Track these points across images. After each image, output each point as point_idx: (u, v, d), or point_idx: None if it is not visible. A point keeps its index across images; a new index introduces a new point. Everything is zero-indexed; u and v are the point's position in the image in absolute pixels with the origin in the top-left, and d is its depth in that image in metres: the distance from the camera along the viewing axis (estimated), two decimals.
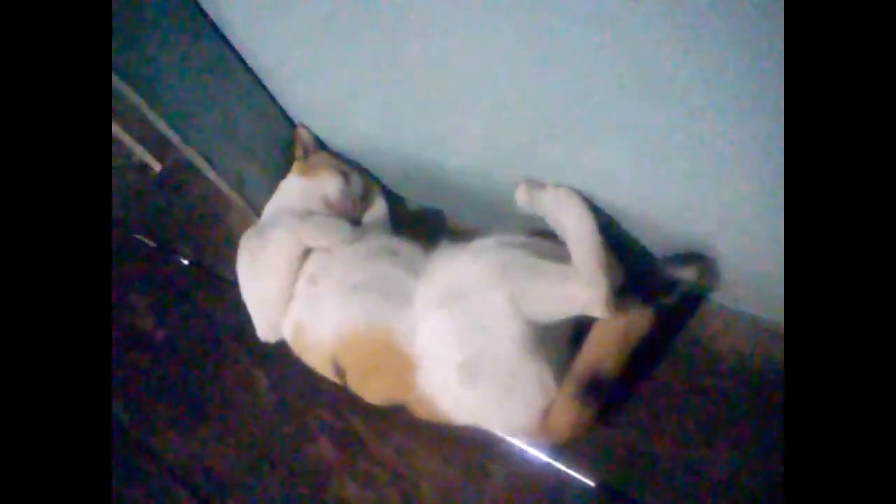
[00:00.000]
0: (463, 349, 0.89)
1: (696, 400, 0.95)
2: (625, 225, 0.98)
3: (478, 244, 0.97)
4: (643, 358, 0.95)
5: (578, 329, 0.96)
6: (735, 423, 0.92)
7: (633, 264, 0.97)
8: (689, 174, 0.79)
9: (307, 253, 1.10)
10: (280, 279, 1.09)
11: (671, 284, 0.94)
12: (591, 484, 0.95)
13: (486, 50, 0.80)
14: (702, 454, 0.91)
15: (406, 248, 1.07)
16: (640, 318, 0.92)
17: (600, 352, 0.91)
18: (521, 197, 0.97)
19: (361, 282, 1.01)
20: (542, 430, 0.91)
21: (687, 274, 0.93)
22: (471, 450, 0.97)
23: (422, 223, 1.32)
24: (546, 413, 0.90)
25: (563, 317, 0.91)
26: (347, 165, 1.28)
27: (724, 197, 0.79)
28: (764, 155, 0.68)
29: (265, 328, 1.13)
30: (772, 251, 0.82)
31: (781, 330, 0.94)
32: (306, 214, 1.14)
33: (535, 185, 0.96)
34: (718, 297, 1.01)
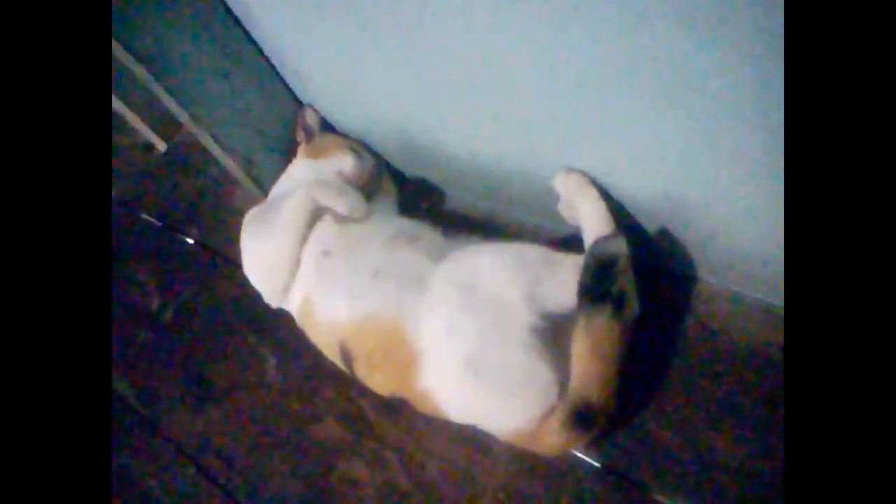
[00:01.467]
0: (469, 344, 0.89)
1: (703, 384, 0.96)
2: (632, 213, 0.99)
3: (495, 242, 0.98)
4: (649, 344, 0.96)
5: None
6: (741, 407, 0.92)
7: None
8: (687, 156, 0.80)
9: (320, 217, 1.09)
10: (291, 237, 1.08)
11: (610, 267, 0.87)
12: (597, 465, 0.96)
13: (498, 34, 0.80)
14: (707, 438, 0.92)
15: (426, 233, 1.07)
16: (602, 326, 0.85)
17: (583, 378, 0.86)
18: (558, 181, 0.97)
19: (381, 268, 1.00)
20: (530, 440, 0.91)
21: (615, 247, 0.87)
22: (477, 431, 0.98)
23: (421, 198, 1.33)
24: (540, 424, 0.88)
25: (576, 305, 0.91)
26: (356, 144, 1.28)
27: (725, 181, 0.80)
28: (765, 139, 0.68)
29: (272, 291, 1.13)
30: (775, 233, 0.83)
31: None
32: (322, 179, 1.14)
33: (564, 171, 0.96)
34: (723, 281, 1.02)
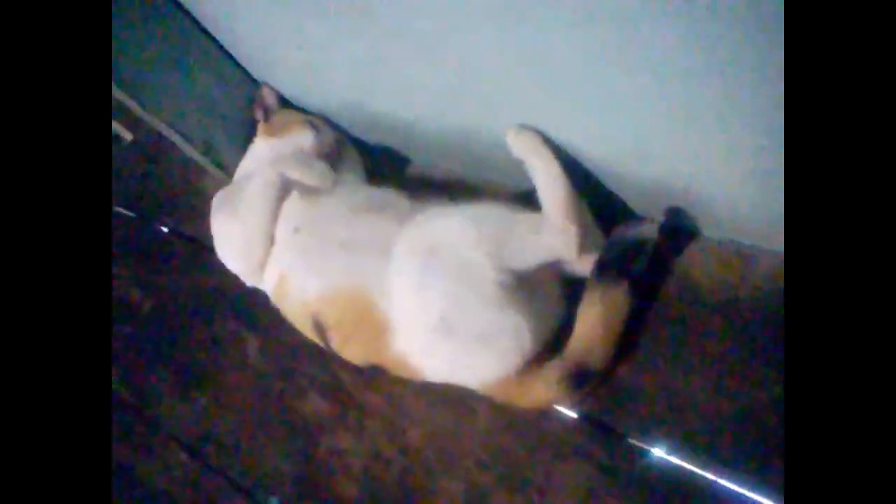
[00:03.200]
0: (439, 305, 0.90)
1: (672, 329, 0.97)
2: (602, 176, 0.99)
3: (455, 205, 0.99)
4: None
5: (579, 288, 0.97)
6: (710, 349, 0.94)
7: (609, 218, 0.98)
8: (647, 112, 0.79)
9: (289, 193, 1.09)
10: (261, 215, 1.09)
11: (637, 248, 0.92)
12: (574, 416, 0.98)
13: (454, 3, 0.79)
14: (677, 382, 0.93)
15: (393, 199, 1.08)
16: (617, 300, 0.91)
17: (586, 342, 0.91)
18: (510, 142, 0.97)
19: (347, 238, 1.02)
20: (516, 392, 0.93)
21: (646, 231, 0.93)
22: (455, 391, 1.00)
23: (386, 166, 1.33)
24: (523, 376, 0.92)
25: (539, 263, 0.92)
26: (315, 118, 1.27)
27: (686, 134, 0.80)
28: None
29: (248, 271, 1.14)
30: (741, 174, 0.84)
31: (755, 252, 0.95)
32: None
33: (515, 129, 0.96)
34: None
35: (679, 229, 1.00)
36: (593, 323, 0.91)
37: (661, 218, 0.97)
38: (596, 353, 0.91)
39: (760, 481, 0.84)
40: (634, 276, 0.92)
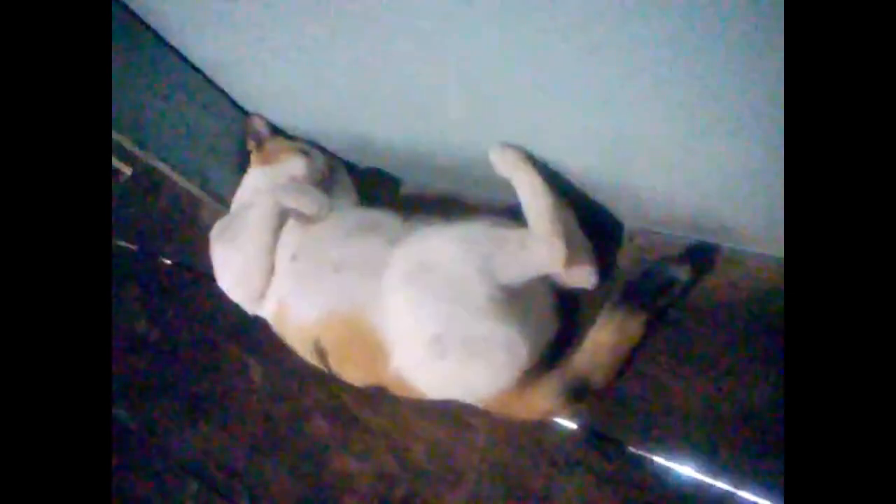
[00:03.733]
0: (433, 323, 0.92)
1: (666, 334, 0.97)
2: (596, 190, 1.00)
3: (444, 225, 1.00)
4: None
5: (572, 300, 1.01)
6: (705, 354, 0.94)
7: (602, 231, 1.01)
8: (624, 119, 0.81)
9: (285, 221, 1.11)
10: (260, 244, 1.11)
11: (665, 286, 0.94)
12: (573, 426, 0.99)
13: (432, 23, 0.80)
14: (670, 386, 0.94)
15: (385, 220, 1.09)
16: (633, 330, 0.93)
17: (593, 361, 0.93)
18: (493, 160, 0.98)
19: (342, 261, 1.03)
20: (515, 405, 0.95)
21: (681, 273, 0.94)
22: (455, 408, 1.01)
23: (378, 187, 1.34)
24: (521, 388, 0.93)
25: (528, 277, 0.94)
26: (306, 145, 1.30)
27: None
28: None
29: (250, 300, 1.15)
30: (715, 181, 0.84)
31: (744, 256, 0.96)
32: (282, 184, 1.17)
33: (499, 147, 0.98)
34: (671, 230, 1.03)
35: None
36: (605, 346, 0.93)
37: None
38: (600, 373, 0.93)
39: (761, 483, 0.84)
40: (655, 311, 0.94)
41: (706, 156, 0.79)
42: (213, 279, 1.23)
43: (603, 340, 0.93)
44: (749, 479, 0.85)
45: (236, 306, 1.19)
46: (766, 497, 0.84)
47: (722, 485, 0.87)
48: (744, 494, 0.85)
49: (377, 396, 1.10)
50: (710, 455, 0.89)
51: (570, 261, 0.92)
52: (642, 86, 0.71)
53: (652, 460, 0.92)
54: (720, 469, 0.87)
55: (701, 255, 0.98)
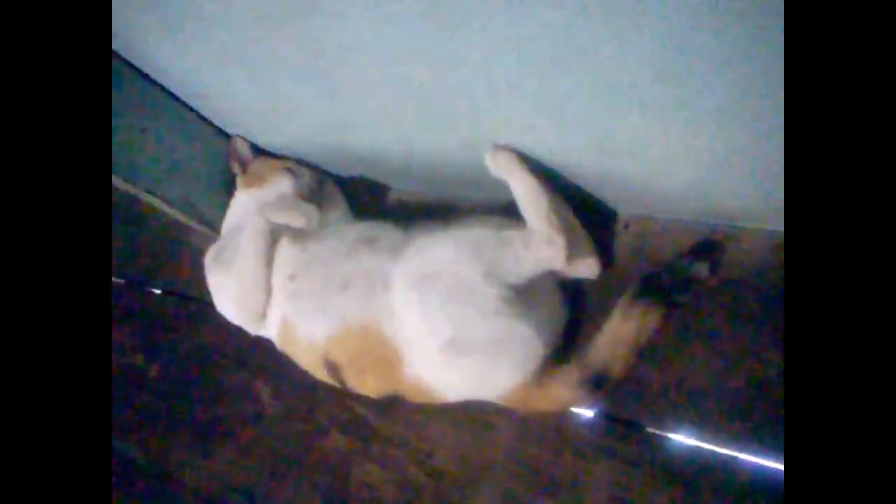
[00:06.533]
0: (445, 328, 0.93)
1: (672, 316, 0.99)
2: (587, 179, 1.02)
3: (448, 231, 1.01)
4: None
5: (576, 289, 1.03)
6: (712, 331, 0.97)
7: (596, 220, 1.02)
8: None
9: (278, 238, 1.11)
10: (256, 265, 1.10)
11: (685, 282, 0.97)
12: (591, 414, 1.01)
13: (404, 31, 0.80)
14: (682, 365, 0.97)
15: (382, 230, 1.10)
16: (652, 322, 0.96)
17: (612, 352, 0.95)
18: (487, 163, 0.99)
19: (346, 276, 1.03)
20: (535, 398, 0.96)
21: (700, 270, 0.97)
22: (473, 409, 1.02)
23: (368, 197, 1.35)
24: (540, 380, 0.95)
25: (534, 274, 0.96)
26: (290, 162, 1.29)
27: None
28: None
29: (251, 321, 1.15)
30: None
31: (739, 232, 0.99)
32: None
33: (493, 149, 0.99)
34: (669, 214, 1.06)
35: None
36: (623, 338, 0.95)
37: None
38: (618, 364, 0.95)
39: (777, 450, 0.88)
40: (673, 305, 0.97)
41: (702, 137, 0.81)
42: (208, 305, 1.23)
43: (623, 333, 0.95)
44: (767, 447, 0.88)
45: (235, 330, 1.19)
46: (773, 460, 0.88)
47: (740, 455, 0.90)
48: (762, 461, 0.89)
49: (392, 406, 1.11)
50: (724, 427, 0.92)
51: (573, 255, 0.95)
52: (634, 62, 0.70)
53: (671, 439, 0.95)
54: (737, 440, 0.90)
55: (711, 248, 1.00)
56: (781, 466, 0.87)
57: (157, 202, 1.23)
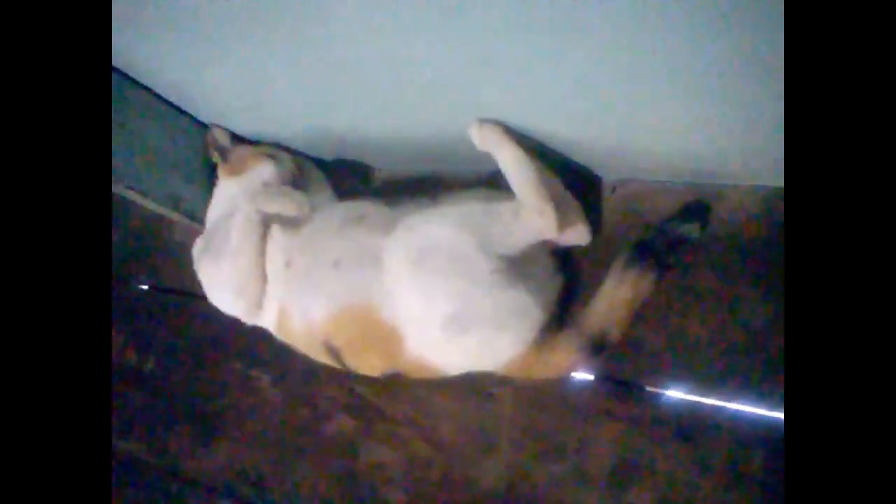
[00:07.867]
0: (443, 306, 0.94)
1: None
2: (571, 146, 1.02)
3: (437, 207, 1.01)
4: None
5: (568, 255, 1.03)
6: (702, 288, 0.98)
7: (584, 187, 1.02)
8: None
9: (268, 227, 1.11)
10: (248, 253, 1.10)
11: (676, 244, 0.98)
12: (590, 378, 1.03)
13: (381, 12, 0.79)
14: (679, 324, 0.98)
15: (370, 209, 1.09)
16: (646, 285, 0.97)
17: (610, 318, 0.97)
18: (473, 137, 0.99)
19: (337, 257, 1.03)
20: (536, 365, 0.98)
21: (691, 231, 0.97)
22: (475, 382, 1.03)
23: (351, 178, 1.34)
24: (540, 348, 0.96)
25: (526, 245, 0.96)
26: (270, 148, 1.28)
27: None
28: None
29: (247, 311, 1.15)
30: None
31: (721, 189, 1.00)
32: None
33: (477, 122, 0.98)
34: (664, 177, 1.06)
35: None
36: (620, 302, 0.96)
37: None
38: (616, 328, 0.97)
39: (774, 399, 0.90)
40: (667, 267, 0.98)
41: (688, 99, 0.81)
42: (197, 298, 1.22)
43: (618, 297, 0.96)
44: (764, 397, 0.91)
45: (227, 320, 1.18)
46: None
47: (739, 406, 0.93)
48: (759, 411, 0.91)
49: (394, 384, 1.12)
50: (723, 381, 0.94)
51: (563, 224, 0.95)
52: (619, 27, 0.69)
53: (671, 396, 0.97)
54: (734, 392, 0.93)
55: (700, 208, 1.01)
56: (782, 416, 0.89)
57: (138, 197, 1.21)
